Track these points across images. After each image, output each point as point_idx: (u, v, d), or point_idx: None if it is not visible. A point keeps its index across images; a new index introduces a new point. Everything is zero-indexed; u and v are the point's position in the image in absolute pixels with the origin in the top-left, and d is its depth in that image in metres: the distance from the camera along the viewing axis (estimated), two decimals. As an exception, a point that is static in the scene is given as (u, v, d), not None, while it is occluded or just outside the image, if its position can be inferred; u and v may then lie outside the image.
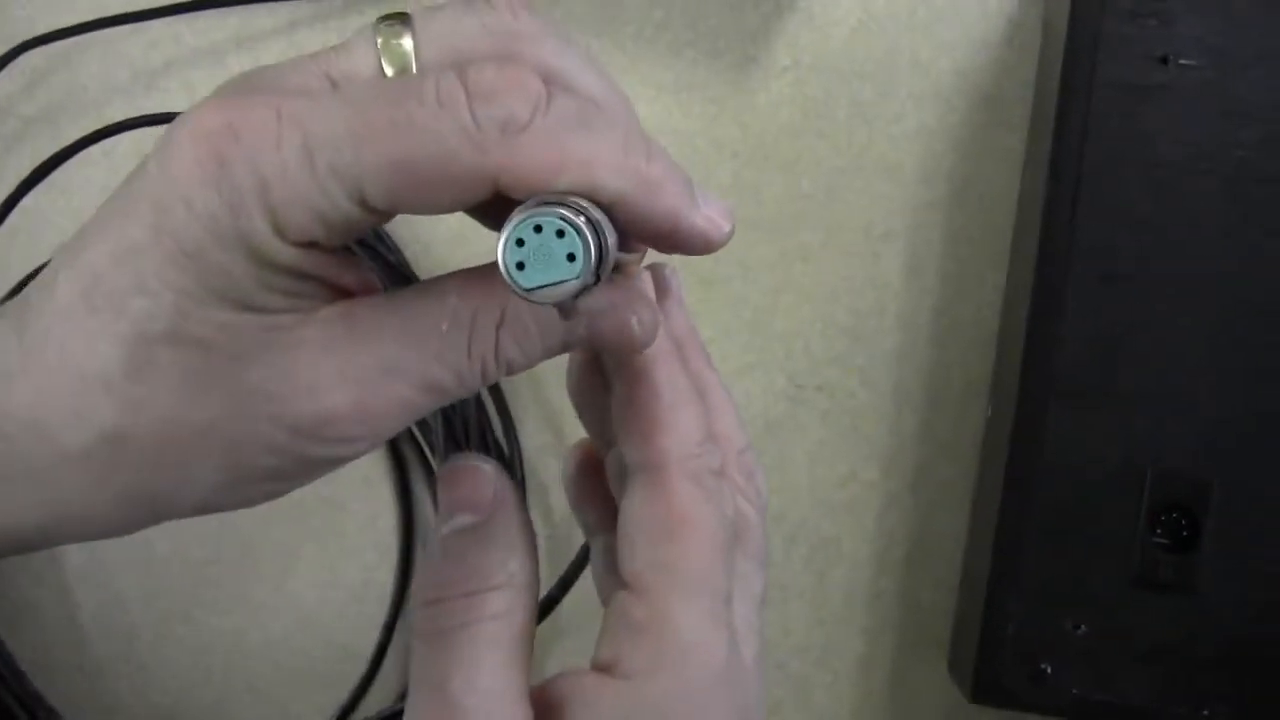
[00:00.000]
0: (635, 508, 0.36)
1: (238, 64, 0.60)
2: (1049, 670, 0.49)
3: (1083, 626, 0.49)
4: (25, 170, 0.58)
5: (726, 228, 0.34)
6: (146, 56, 0.61)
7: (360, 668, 0.60)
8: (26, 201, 0.59)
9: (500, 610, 0.35)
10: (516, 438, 0.59)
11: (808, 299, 0.60)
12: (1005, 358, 0.54)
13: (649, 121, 0.60)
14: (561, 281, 0.30)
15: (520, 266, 0.31)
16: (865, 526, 0.60)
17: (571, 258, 0.30)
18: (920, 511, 0.60)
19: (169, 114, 0.58)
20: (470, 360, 0.34)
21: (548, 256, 0.30)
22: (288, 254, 0.32)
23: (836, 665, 0.60)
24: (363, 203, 0.32)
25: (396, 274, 0.58)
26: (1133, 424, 0.50)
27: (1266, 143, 0.50)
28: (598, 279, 0.31)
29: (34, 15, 0.60)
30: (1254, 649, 0.49)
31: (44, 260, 0.59)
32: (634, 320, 0.35)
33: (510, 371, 0.35)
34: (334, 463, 0.35)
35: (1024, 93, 0.59)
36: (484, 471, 0.37)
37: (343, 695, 0.60)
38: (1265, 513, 0.49)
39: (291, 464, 0.34)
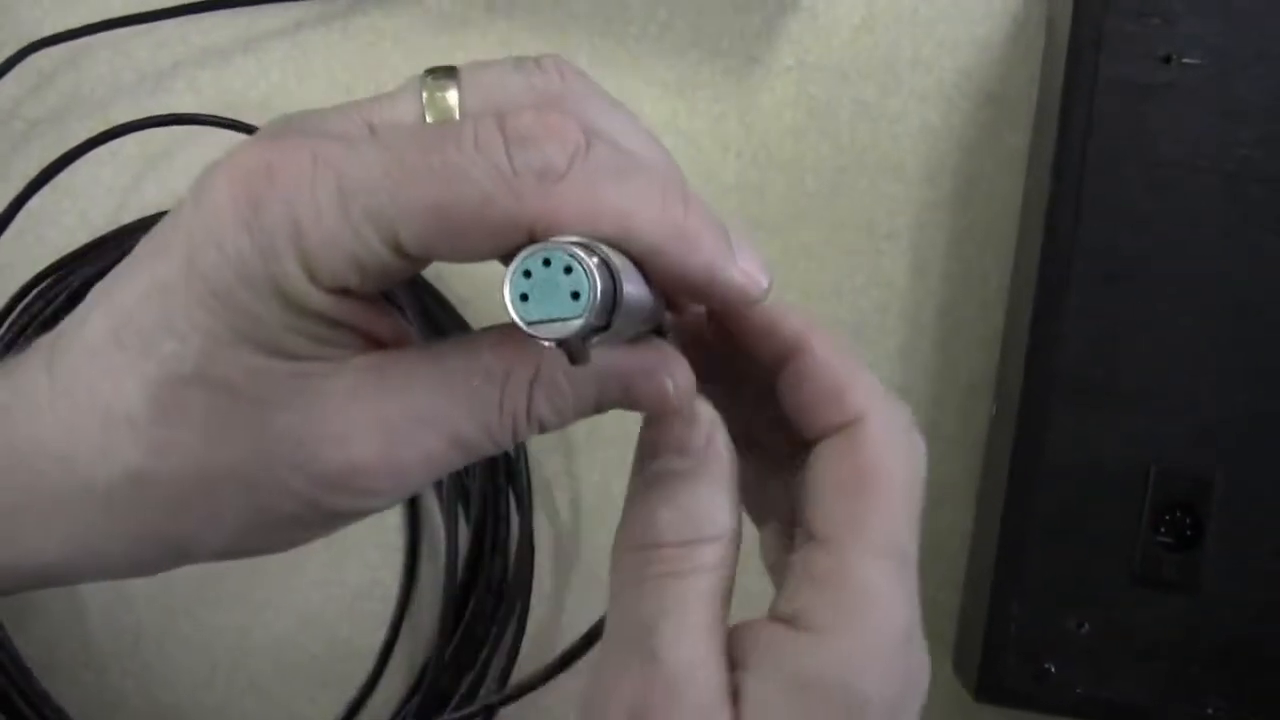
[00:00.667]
0: (828, 460, 0.35)
1: (244, 65, 0.61)
2: (1052, 669, 0.49)
3: (1086, 625, 0.49)
4: (32, 171, 0.59)
5: (764, 283, 0.34)
6: (153, 57, 0.61)
7: (366, 666, 0.60)
8: (33, 203, 0.59)
9: (713, 563, 0.34)
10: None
11: (811, 298, 0.60)
12: (1009, 356, 0.54)
13: (652, 121, 0.60)
14: (564, 319, 0.30)
15: (524, 298, 0.30)
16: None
17: (576, 295, 0.30)
18: (924, 509, 0.59)
19: (176, 115, 0.59)
20: (501, 416, 0.33)
21: (553, 291, 0.30)
22: (320, 300, 0.32)
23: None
24: (397, 248, 0.31)
25: (433, 322, 0.59)
26: (1135, 422, 0.50)
27: (1268, 142, 0.50)
28: (607, 324, 0.30)
29: (41, 17, 0.61)
30: (1257, 647, 0.49)
31: (51, 261, 0.60)
32: (669, 382, 0.35)
33: (542, 430, 0.34)
34: (356, 515, 0.34)
35: (1028, 91, 0.59)
36: (700, 415, 0.35)
37: (348, 694, 0.60)
38: (1267, 511, 0.49)
39: (314, 513, 0.33)
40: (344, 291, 0.32)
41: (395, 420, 0.33)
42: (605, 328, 0.30)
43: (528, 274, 0.30)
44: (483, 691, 0.58)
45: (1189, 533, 0.49)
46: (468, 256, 0.32)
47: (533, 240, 0.31)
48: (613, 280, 0.30)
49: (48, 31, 0.60)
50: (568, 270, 0.30)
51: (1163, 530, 0.49)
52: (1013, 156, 0.59)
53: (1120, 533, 0.49)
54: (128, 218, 0.60)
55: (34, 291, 0.59)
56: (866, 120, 0.60)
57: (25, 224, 0.59)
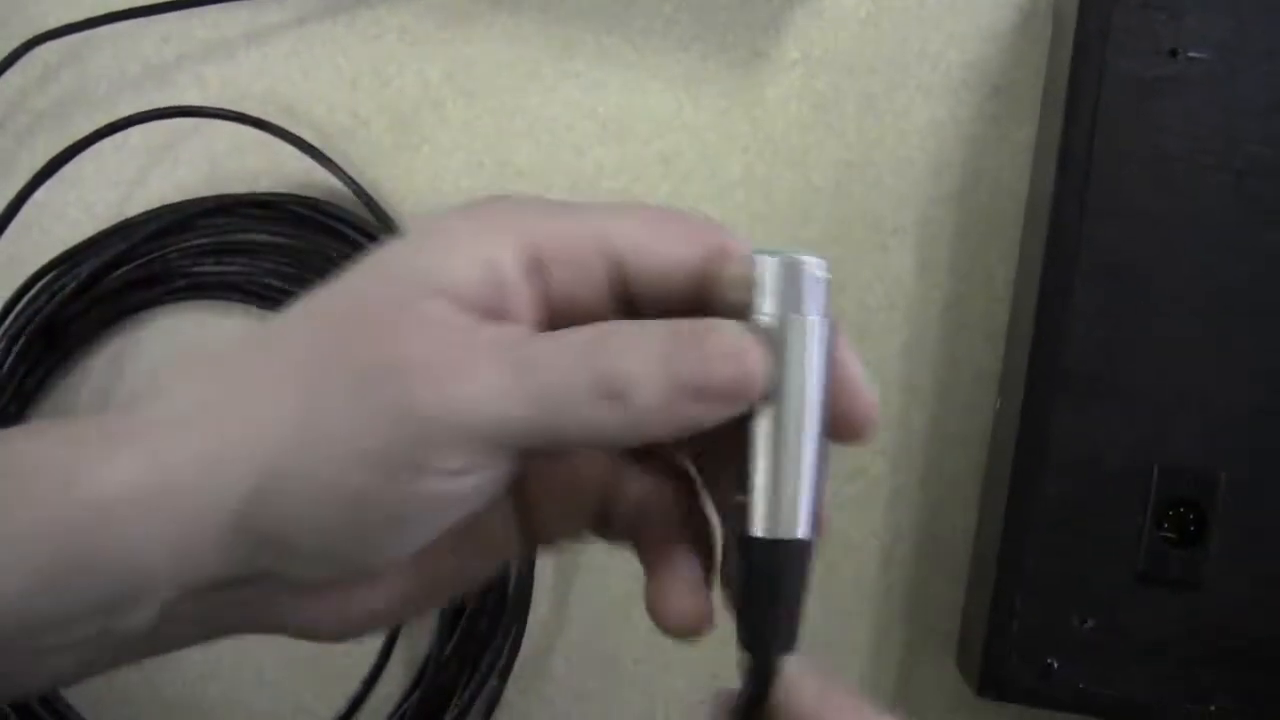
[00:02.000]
0: None
1: (248, 58, 0.61)
2: (1055, 665, 0.49)
3: (1089, 621, 0.49)
4: (38, 164, 0.59)
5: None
6: (158, 51, 0.61)
7: (370, 659, 0.60)
8: (38, 195, 0.59)
9: None
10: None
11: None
12: (1013, 352, 0.54)
13: (658, 116, 0.60)
14: None
15: None
16: (874, 520, 0.59)
17: None
18: (929, 505, 0.59)
19: (180, 107, 0.59)
20: None
21: None
22: None
23: (845, 659, 0.60)
24: None
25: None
26: (1140, 418, 0.49)
27: (1275, 138, 0.49)
28: None
29: (46, 10, 0.61)
30: (1260, 645, 0.49)
31: (56, 253, 0.60)
32: None
33: None
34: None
35: (1034, 85, 0.59)
36: None
37: (353, 686, 0.60)
38: (1273, 508, 0.49)
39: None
40: None
41: None
42: None
43: None
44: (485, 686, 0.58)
45: (1193, 530, 0.49)
46: None
47: None
48: None
49: (53, 24, 0.59)
50: None
51: (1167, 527, 0.49)
52: (1019, 150, 0.59)
53: (1124, 529, 0.49)
54: (132, 210, 0.60)
55: (39, 284, 0.59)
56: (872, 115, 0.60)
57: (30, 217, 0.59)
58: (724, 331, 0.31)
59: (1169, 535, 0.49)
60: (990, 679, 0.49)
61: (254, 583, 0.33)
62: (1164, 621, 0.49)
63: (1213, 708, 0.48)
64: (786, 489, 0.32)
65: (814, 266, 0.33)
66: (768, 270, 0.32)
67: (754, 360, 0.31)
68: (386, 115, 0.61)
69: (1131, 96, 0.50)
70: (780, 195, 0.60)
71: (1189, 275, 0.50)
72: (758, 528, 0.32)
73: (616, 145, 0.60)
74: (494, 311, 0.32)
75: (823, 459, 0.32)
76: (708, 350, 0.31)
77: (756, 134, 0.60)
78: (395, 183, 0.61)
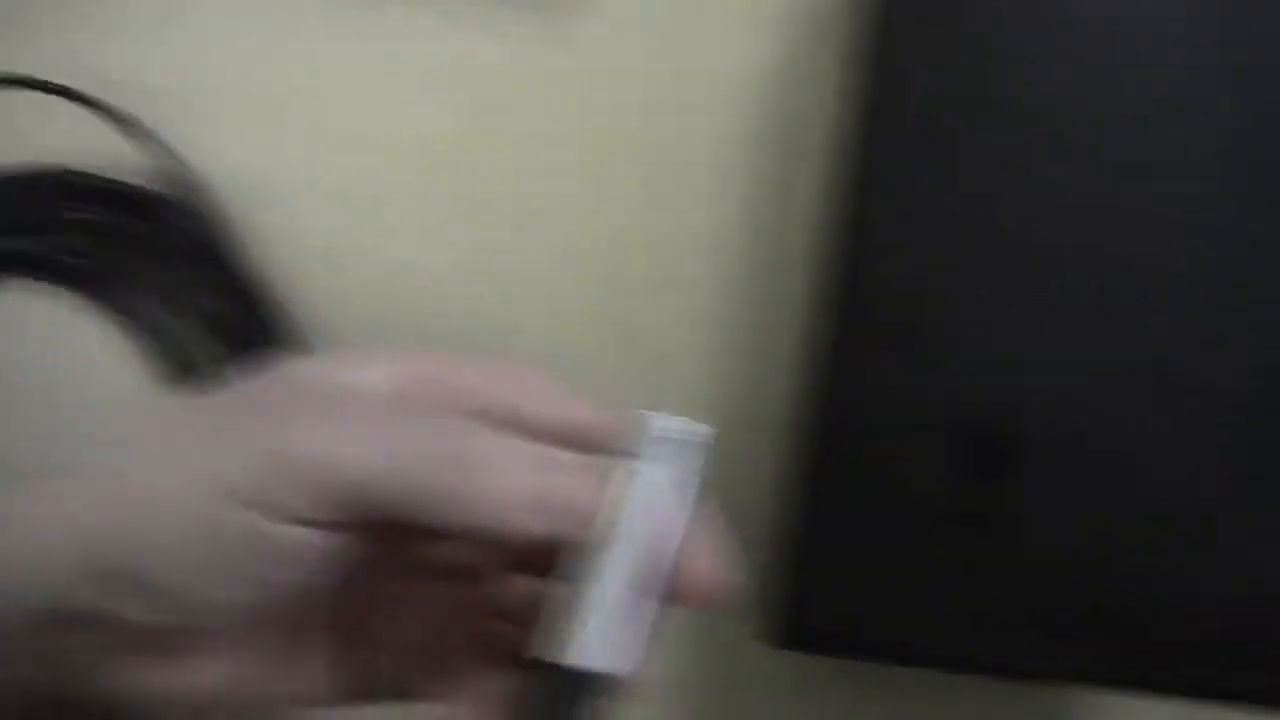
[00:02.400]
0: None
1: (55, 26, 0.59)
2: (864, 615, 0.48)
3: (896, 569, 0.48)
4: None
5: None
6: None
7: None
8: None
9: None
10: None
11: (619, 244, 0.59)
12: (821, 297, 0.53)
13: (450, 63, 0.59)
14: None
15: None
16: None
17: None
18: (736, 459, 0.58)
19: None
20: None
21: None
22: None
23: (670, 649, 0.59)
24: None
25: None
26: (946, 362, 0.48)
27: (1085, 75, 0.49)
28: None
29: None
30: (1070, 583, 0.48)
31: None
32: None
33: None
34: None
35: (846, 21, 0.57)
36: None
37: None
38: (1078, 446, 0.48)
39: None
40: None
41: None
42: None
43: None
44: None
45: (998, 473, 0.48)
46: None
47: None
48: None
49: None
50: None
51: (974, 470, 0.48)
52: (831, 90, 0.58)
53: (930, 475, 0.48)
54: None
55: None
56: (682, 55, 0.59)
57: None
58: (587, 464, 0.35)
59: (976, 479, 0.48)
60: (796, 632, 0.48)
61: (91, 628, 0.34)
62: (973, 566, 0.48)
63: (1024, 647, 0.47)
64: (586, 619, 0.34)
65: (673, 429, 0.35)
66: (633, 428, 0.35)
67: (595, 491, 0.34)
68: (199, 86, 0.59)
69: (942, 35, 0.49)
70: (585, 141, 0.59)
71: (991, 217, 0.49)
72: (538, 649, 0.34)
73: (431, 96, 0.59)
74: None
75: (636, 606, 0.34)
76: (564, 462, 0.35)
77: (557, 79, 0.59)
78: (210, 156, 0.59)
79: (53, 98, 0.57)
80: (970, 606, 0.48)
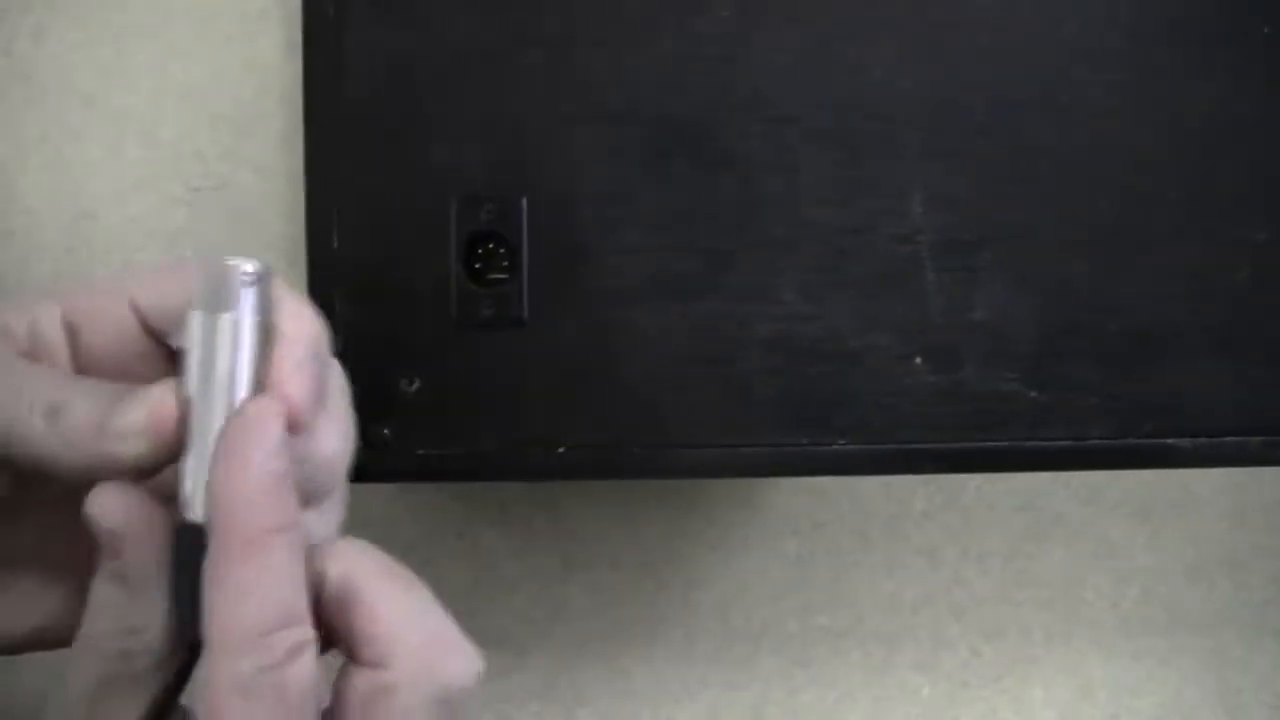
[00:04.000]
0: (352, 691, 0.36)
1: None
2: (389, 433, 0.46)
3: (416, 382, 0.46)
4: None
5: None
6: None
7: None
8: None
9: None
10: None
11: (188, 97, 0.56)
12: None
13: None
14: None
15: None
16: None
17: None
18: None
19: None
20: None
21: None
22: None
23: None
24: None
25: None
26: (430, 151, 0.46)
27: None
28: None
29: None
30: (588, 375, 0.46)
31: None
32: None
33: None
34: None
35: None
36: None
37: None
38: (576, 230, 0.46)
39: None
40: None
41: None
42: None
43: None
44: None
45: (504, 264, 0.46)
46: None
47: None
48: None
49: None
50: None
51: (477, 266, 0.46)
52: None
53: (433, 277, 0.46)
54: None
55: None
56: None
57: None
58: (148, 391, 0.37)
59: (481, 275, 0.46)
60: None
61: None
62: (492, 368, 0.46)
63: (562, 449, 0.46)
64: (196, 476, 0.35)
65: (231, 269, 0.36)
66: (196, 278, 0.36)
67: (166, 408, 0.36)
68: None
69: None
70: (137, 4, 0.56)
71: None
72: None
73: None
74: (35, 358, 0.38)
75: None
76: (128, 398, 0.36)
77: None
78: None
79: None
80: (505, 410, 0.46)
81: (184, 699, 0.36)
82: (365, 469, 0.43)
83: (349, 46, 0.46)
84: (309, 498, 0.37)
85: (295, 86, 0.52)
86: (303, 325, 0.37)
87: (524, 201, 0.46)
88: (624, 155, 0.47)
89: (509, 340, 0.46)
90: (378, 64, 0.47)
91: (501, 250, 0.45)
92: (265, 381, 0.36)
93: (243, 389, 0.35)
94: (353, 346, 0.44)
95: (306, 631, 0.34)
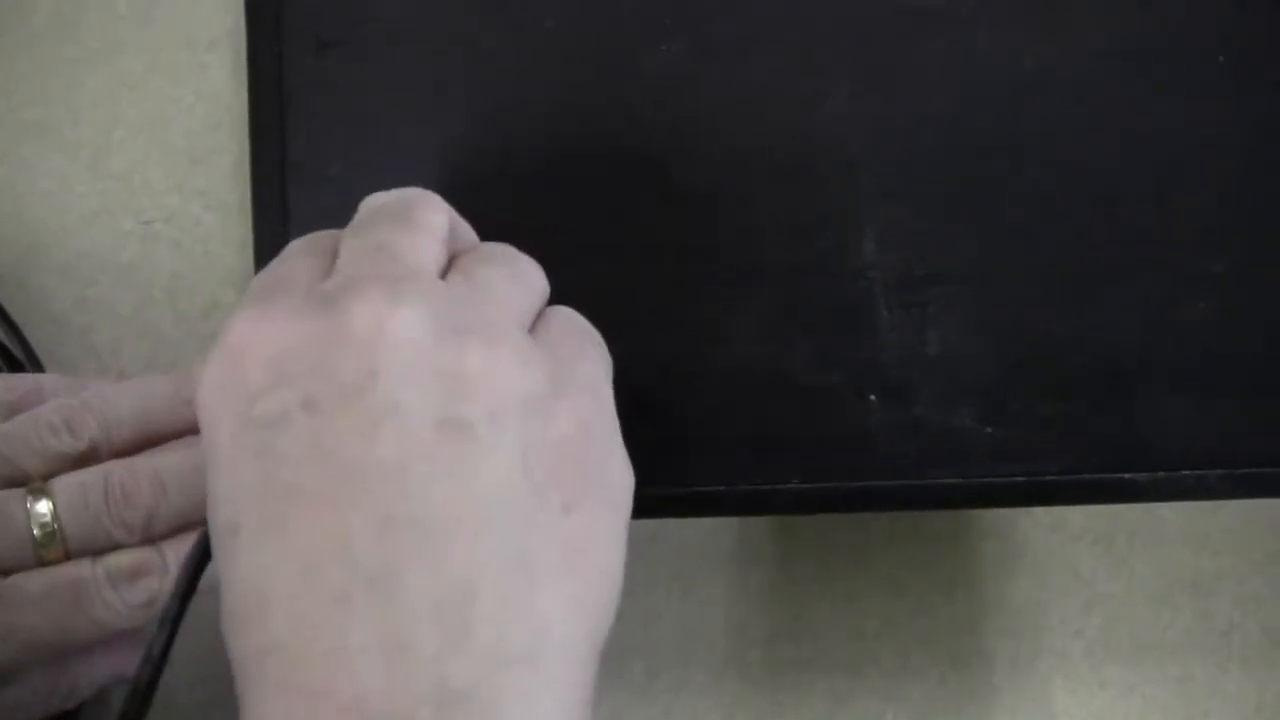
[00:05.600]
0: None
1: None
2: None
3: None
4: None
5: None
6: None
7: None
8: None
9: None
10: None
11: (141, 130, 0.55)
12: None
13: None
14: None
15: None
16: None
17: None
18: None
19: None
20: None
21: None
22: None
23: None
24: None
25: None
26: (376, 185, 0.44)
27: None
28: None
29: None
30: None
31: None
32: None
33: None
34: None
35: None
36: None
37: None
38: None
39: None
40: None
41: None
42: None
43: None
44: None
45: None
46: None
47: None
48: None
49: None
50: None
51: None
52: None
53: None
54: None
55: None
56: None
57: None
58: None
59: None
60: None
61: None
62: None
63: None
64: None
65: None
66: None
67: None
68: None
69: None
70: (87, 31, 0.55)
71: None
72: None
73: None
74: None
75: None
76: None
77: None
78: None
79: None
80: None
81: None
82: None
83: (291, 83, 0.46)
84: None
85: (245, 118, 0.52)
86: None
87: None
88: (576, 192, 0.46)
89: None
90: (321, 100, 0.46)
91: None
92: None
93: None
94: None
95: None
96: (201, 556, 0.36)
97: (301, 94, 0.47)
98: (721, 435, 0.46)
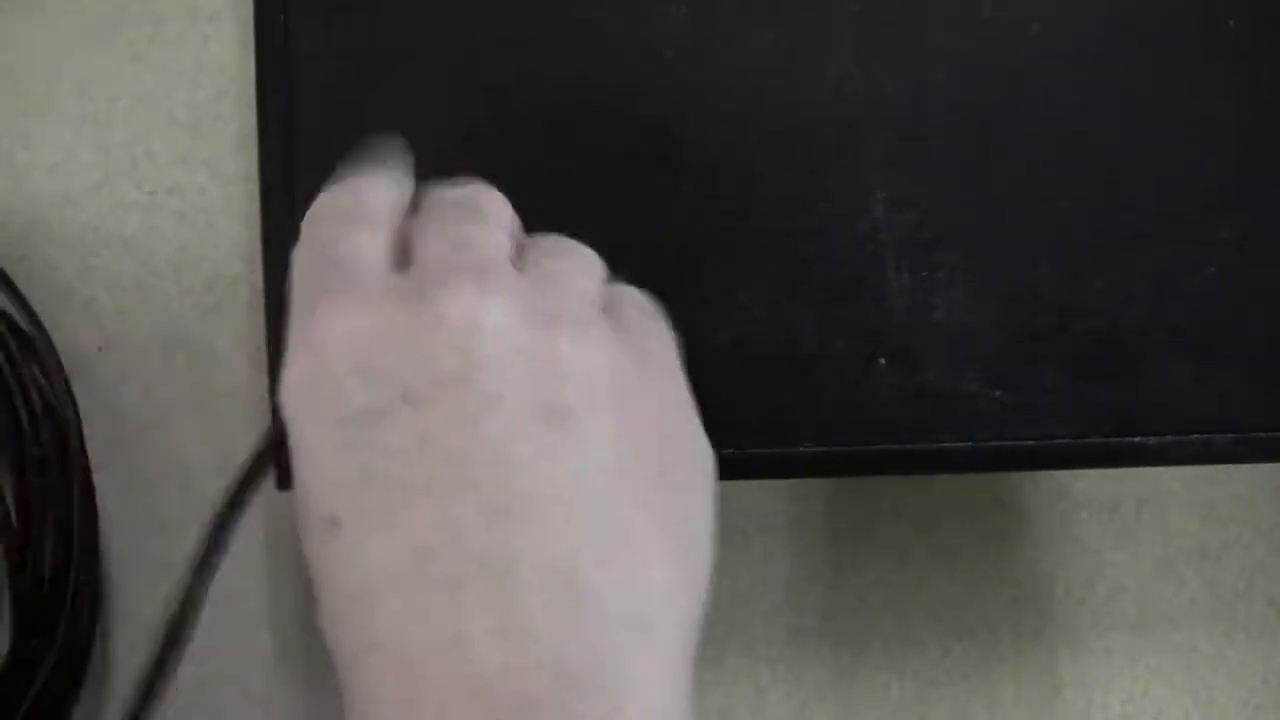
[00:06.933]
0: None
1: None
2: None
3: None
4: None
5: None
6: None
7: None
8: None
9: None
10: None
11: (144, 101, 0.55)
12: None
13: None
14: None
15: None
16: (238, 325, 0.55)
17: None
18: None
19: None
20: None
21: None
22: None
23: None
24: None
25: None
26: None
27: None
28: None
29: None
30: None
31: None
32: None
33: None
34: None
35: None
36: None
37: None
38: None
39: None
40: None
41: None
42: None
43: None
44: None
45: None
46: None
47: None
48: None
49: None
50: None
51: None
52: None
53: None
54: None
55: None
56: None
57: None
58: None
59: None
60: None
61: None
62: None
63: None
64: None
65: None
66: None
67: None
68: None
69: None
70: (86, 6, 0.55)
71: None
72: None
73: None
74: None
75: None
76: None
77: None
78: None
79: None
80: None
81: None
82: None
83: (297, 51, 0.46)
84: None
85: (250, 89, 0.52)
86: None
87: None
88: (579, 161, 0.47)
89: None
90: (328, 67, 0.47)
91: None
92: None
93: None
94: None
95: None
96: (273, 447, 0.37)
97: (308, 62, 0.47)
98: (733, 401, 0.46)
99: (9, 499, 0.50)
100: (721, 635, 0.58)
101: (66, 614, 0.49)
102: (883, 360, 0.46)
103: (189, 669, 0.53)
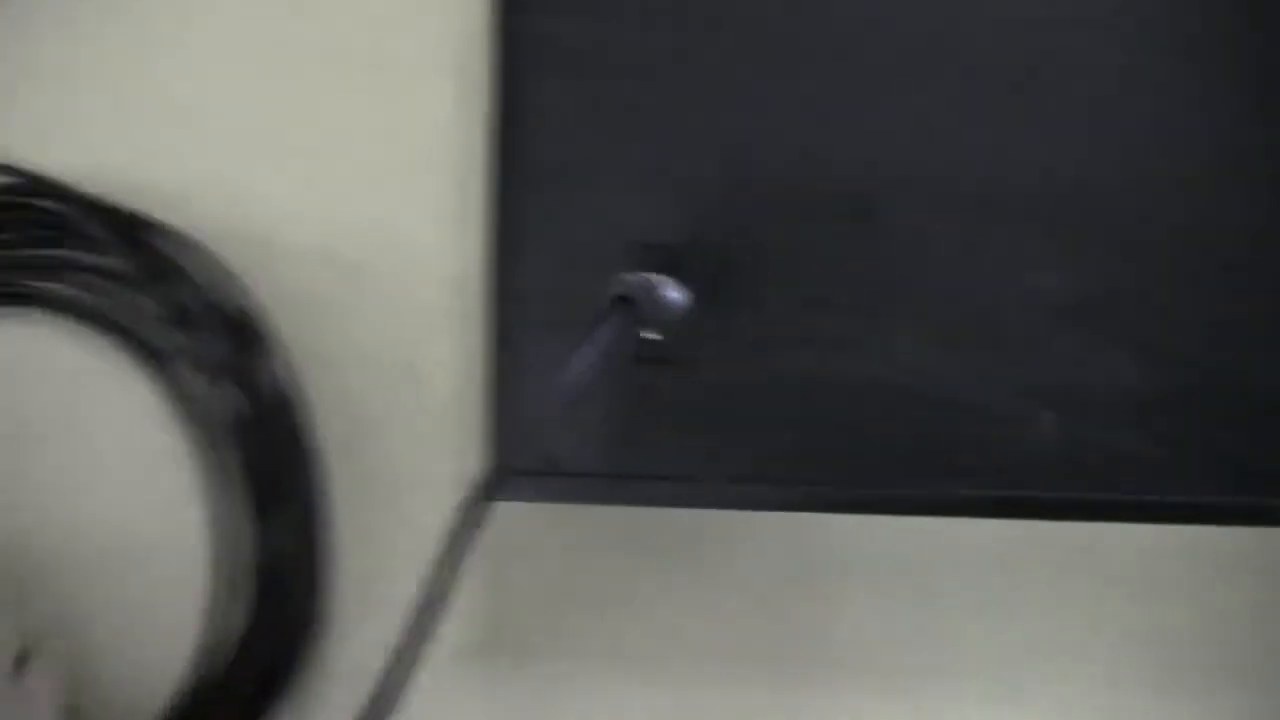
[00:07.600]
0: None
1: None
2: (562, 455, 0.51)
3: (593, 409, 0.51)
4: None
5: None
6: None
7: None
8: None
9: None
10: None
11: (377, 138, 0.61)
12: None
13: None
14: None
15: None
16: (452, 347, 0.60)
17: None
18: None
19: None
20: None
21: None
22: None
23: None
24: None
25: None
26: (613, 199, 0.52)
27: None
28: None
29: None
30: (737, 413, 0.52)
31: None
32: None
33: None
34: None
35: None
36: None
37: None
38: (750, 275, 0.52)
39: None
40: None
41: None
42: None
43: None
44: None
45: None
46: None
47: None
48: None
49: None
50: None
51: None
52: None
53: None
54: None
55: None
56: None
57: None
58: None
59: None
60: (500, 481, 0.48)
61: None
62: (663, 398, 0.51)
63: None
64: None
65: None
66: None
67: None
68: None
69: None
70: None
71: (647, 47, 0.52)
72: None
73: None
74: None
75: None
76: None
77: None
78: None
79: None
80: (686, 434, 0.52)
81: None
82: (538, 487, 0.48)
83: (526, 99, 0.52)
84: None
85: (468, 132, 0.58)
86: None
87: (697, 250, 0.51)
88: (779, 214, 0.52)
89: (681, 374, 0.51)
90: (558, 114, 0.52)
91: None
92: None
93: None
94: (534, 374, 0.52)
95: None
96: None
97: (539, 108, 0.52)
98: (896, 444, 0.51)
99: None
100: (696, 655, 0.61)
101: (301, 588, 0.55)
102: (1043, 413, 0.50)
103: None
